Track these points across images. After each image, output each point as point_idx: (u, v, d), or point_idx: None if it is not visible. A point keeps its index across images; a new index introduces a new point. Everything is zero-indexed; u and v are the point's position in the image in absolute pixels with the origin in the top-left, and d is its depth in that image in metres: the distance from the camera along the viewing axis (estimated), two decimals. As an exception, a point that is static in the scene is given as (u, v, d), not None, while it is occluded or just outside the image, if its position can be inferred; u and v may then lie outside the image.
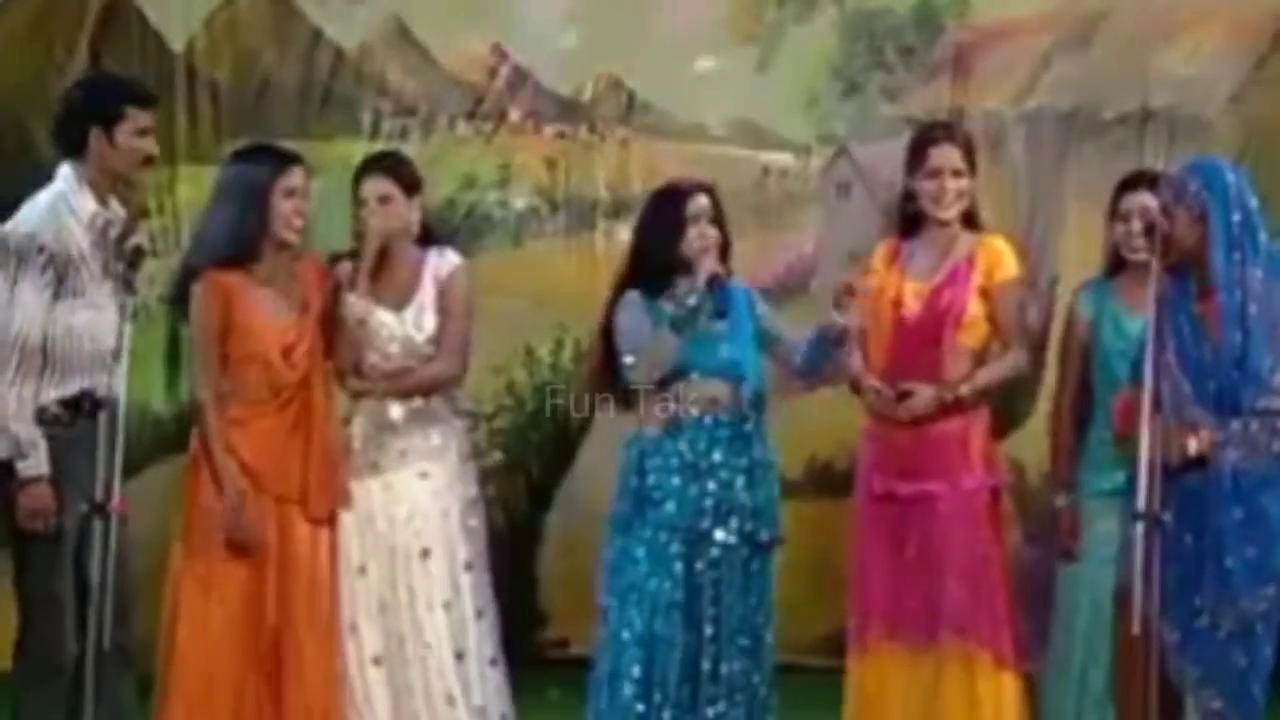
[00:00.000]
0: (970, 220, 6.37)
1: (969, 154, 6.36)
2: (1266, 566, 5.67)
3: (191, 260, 6.22)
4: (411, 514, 6.23)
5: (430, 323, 6.28)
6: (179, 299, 6.16)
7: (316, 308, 6.20)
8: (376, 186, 6.29)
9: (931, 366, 6.24)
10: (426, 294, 6.29)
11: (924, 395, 6.20)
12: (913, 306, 6.29)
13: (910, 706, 6.22)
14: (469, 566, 6.29)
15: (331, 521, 6.19)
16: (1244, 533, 5.64)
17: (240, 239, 6.10)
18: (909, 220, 6.41)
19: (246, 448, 6.10)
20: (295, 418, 6.15)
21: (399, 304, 6.26)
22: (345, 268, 6.23)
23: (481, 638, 6.25)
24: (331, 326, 6.21)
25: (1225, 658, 5.68)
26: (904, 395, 6.20)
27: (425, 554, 6.22)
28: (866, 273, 6.42)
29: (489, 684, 6.24)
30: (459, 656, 6.20)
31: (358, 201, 6.28)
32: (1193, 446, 5.60)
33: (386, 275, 6.28)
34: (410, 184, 6.35)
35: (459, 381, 6.42)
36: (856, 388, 6.34)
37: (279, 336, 6.12)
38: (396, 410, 6.26)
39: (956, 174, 6.31)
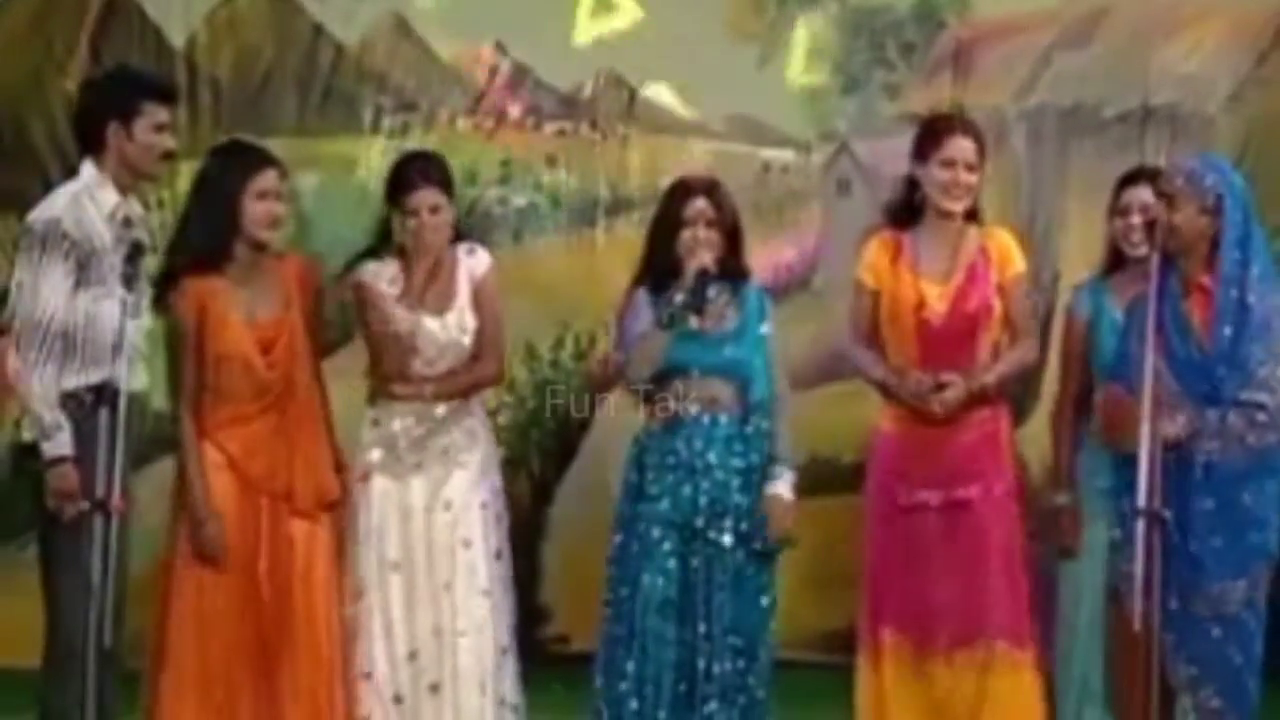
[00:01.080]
0: (970, 214, 6.33)
1: (980, 148, 6.31)
2: (1235, 557, 5.68)
3: (168, 265, 6.22)
4: (451, 504, 6.25)
5: (471, 323, 6.29)
6: (159, 302, 6.17)
7: (299, 306, 6.20)
8: (428, 197, 6.24)
9: (963, 367, 6.19)
10: (464, 295, 6.29)
11: (958, 387, 6.16)
12: (937, 309, 6.23)
13: (937, 711, 6.18)
14: (498, 555, 6.32)
15: (333, 507, 6.19)
16: (1213, 522, 5.66)
17: (212, 243, 6.10)
18: (908, 210, 6.35)
19: (237, 447, 6.10)
20: (282, 416, 6.15)
21: (441, 309, 6.26)
22: (375, 271, 6.23)
23: (500, 627, 6.27)
24: (318, 324, 6.25)
25: (1220, 656, 5.70)
26: (941, 386, 6.15)
27: (467, 544, 6.24)
28: (864, 269, 6.37)
29: (505, 673, 6.26)
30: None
31: (403, 210, 6.23)
32: (1170, 433, 5.60)
33: (426, 280, 6.28)
34: (451, 187, 6.35)
35: (501, 379, 6.47)
36: (884, 387, 6.29)
37: (256, 334, 6.11)
38: (441, 409, 6.28)
39: (969, 167, 6.25)
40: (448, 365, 6.28)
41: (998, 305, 6.26)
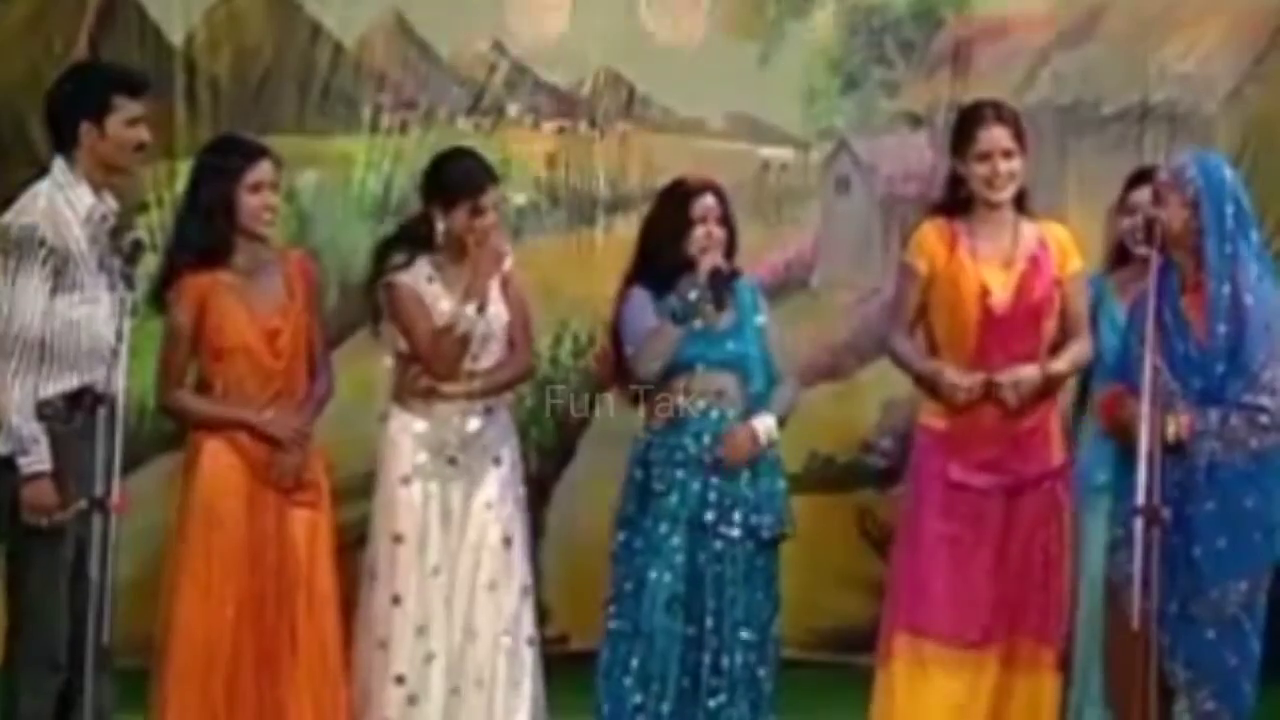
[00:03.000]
0: (1019, 202, 6.28)
1: (1018, 132, 6.26)
2: (1238, 559, 5.68)
3: (167, 264, 6.21)
4: (491, 503, 6.28)
5: (505, 317, 6.34)
6: (156, 300, 6.17)
7: (302, 299, 6.21)
8: (494, 196, 6.34)
9: (1024, 356, 6.16)
10: (495, 290, 6.32)
11: (1028, 375, 6.12)
12: (1001, 296, 6.18)
13: (960, 704, 6.16)
14: (525, 549, 6.38)
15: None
16: (1216, 523, 5.66)
17: (211, 240, 6.11)
18: (957, 202, 6.29)
19: (248, 440, 6.09)
20: (288, 409, 6.15)
21: (480, 305, 6.27)
22: (414, 273, 6.24)
23: (531, 621, 6.34)
24: (319, 319, 6.25)
25: (1215, 658, 5.70)
26: (992, 385, 6.11)
27: (508, 542, 6.29)
28: (916, 254, 6.33)
29: (529, 665, 6.30)
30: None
31: (474, 208, 6.26)
32: (1170, 432, 5.60)
33: (462, 275, 6.29)
34: None
35: (534, 371, 6.63)
36: (930, 385, 6.23)
37: (261, 324, 6.12)
38: (486, 405, 6.32)
39: (1007, 155, 6.21)
40: (492, 360, 6.30)
41: (1057, 298, 6.24)
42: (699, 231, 6.17)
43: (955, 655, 6.16)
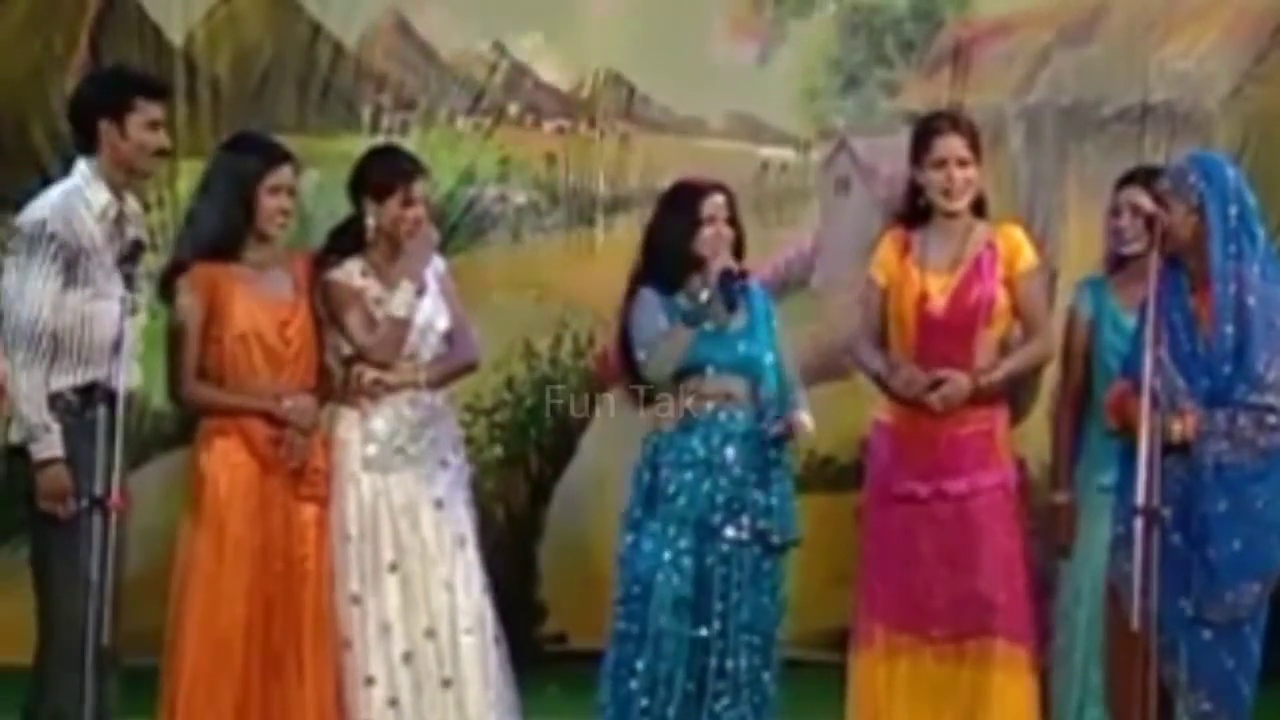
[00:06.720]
0: (978, 208, 6.34)
1: (974, 142, 6.31)
2: (1252, 561, 5.67)
3: (178, 254, 6.23)
4: (441, 502, 6.26)
5: (445, 317, 6.32)
6: (166, 292, 6.17)
7: (308, 295, 6.24)
8: (423, 187, 6.34)
9: (962, 361, 6.19)
10: (432, 285, 6.31)
11: (959, 384, 6.15)
12: (939, 301, 6.23)
13: (932, 705, 6.18)
14: (479, 548, 6.33)
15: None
16: (1229, 525, 5.65)
17: (225, 235, 6.13)
18: (916, 211, 6.36)
19: (260, 433, 6.10)
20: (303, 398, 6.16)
21: (420, 289, 6.26)
22: (347, 270, 6.24)
23: (493, 621, 6.30)
24: (319, 317, 6.25)
25: (1213, 659, 5.69)
26: (937, 383, 6.16)
27: (463, 542, 6.26)
28: (875, 266, 6.40)
29: (497, 664, 6.27)
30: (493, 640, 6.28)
31: (405, 199, 6.26)
32: (1176, 432, 5.60)
33: (396, 270, 6.29)
34: None
35: (478, 366, 6.56)
36: (879, 379, 6.30)
37: (271, 313, 6.14)
38: (433, 398, 6.30)
39: (962, 164, 6.26)
40: (431, 352, 6.29)
41: (1002, 299, 6.25)
42: (708, 231, 6.18)
43: (911, 642, 6.19)
